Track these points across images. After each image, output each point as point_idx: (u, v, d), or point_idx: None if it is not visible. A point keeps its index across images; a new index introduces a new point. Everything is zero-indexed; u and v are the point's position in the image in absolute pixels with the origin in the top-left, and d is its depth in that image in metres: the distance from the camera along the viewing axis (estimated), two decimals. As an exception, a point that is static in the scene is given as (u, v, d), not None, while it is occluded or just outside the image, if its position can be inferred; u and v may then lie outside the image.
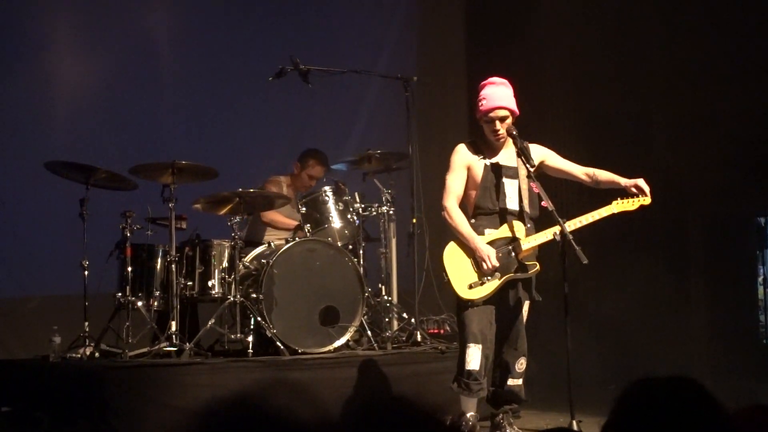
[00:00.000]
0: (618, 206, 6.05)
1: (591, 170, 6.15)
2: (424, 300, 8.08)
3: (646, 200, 6.07)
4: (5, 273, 8.65)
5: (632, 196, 6.04)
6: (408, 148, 7.99)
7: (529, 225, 6.03)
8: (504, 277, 5.94)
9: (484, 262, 5.87)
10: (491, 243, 5.97)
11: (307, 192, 8.14)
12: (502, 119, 6.00)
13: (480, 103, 6.07)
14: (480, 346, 5.89)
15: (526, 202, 6.05)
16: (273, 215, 8.34)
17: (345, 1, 10.27)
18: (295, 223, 8.34)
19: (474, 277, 5.94)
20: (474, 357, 5.89)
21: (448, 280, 5.99)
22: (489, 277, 5.90)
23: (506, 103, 6.02)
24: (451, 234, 6.10)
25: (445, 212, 6.05)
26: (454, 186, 6.07)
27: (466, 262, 5.96)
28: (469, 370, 5.91)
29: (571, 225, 5.86)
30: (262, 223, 8.36)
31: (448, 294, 6.48)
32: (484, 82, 6.14)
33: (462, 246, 6.00)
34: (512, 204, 6.04)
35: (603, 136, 8.77)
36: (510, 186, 6.04)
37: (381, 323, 7.89)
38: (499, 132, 6.01)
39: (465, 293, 5.93)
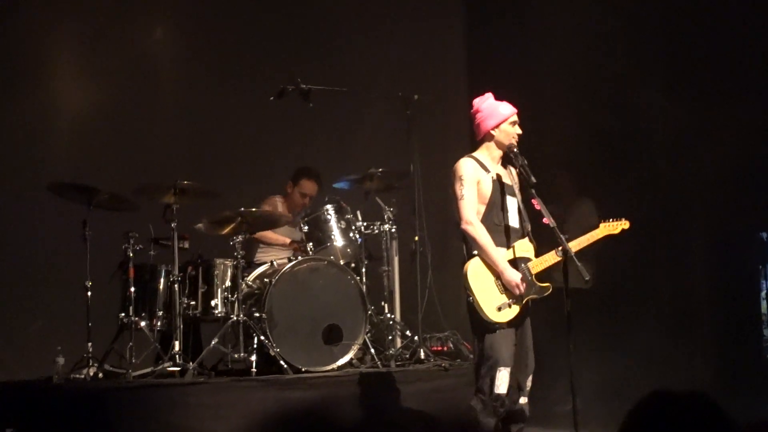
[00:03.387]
0: (604, 229, 6.10)
1: (545, 220, 6.06)
2: (426, 317, 8.07)
3: (626, 224, 6.12)
4: (7, 294, 8.66)
5: (615, 220, 6.10)
6: (409, 166, 8.00)
7: (533, 243, 6.03)
8: (527, 297, 5.91)
9: (516, 289, 5.80)
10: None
11: (310, 211, 8.14)
12: (520, 124, 6.06)
13: (499, 109, 6.04)
14: (509, 369, 5.85)
15: (526, 219, 6.06)
16: (264, 232, 8.35)
17: (345, 20, 10.29)
18: (287, 239, 8.35)
19: (501, 299, 5.83)
20: (504, 381, 5.82)
21: (475, 300, 5.83)
22: (513, 299, 5.87)
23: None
24: (458, 251, 6.03)
25: (471, 228, 5.87)
26: (472, 199, 5.93)
27: (491, 282, 5.86)
28: (498, 394, 5.84)
29: (570, 248, 5.84)
30: (254, 240, 8.37)
31: (452, 311, 6.47)
32: (478, 100, 6.14)
33: (486, 264, 5.89)
34: (513, 221, 6.02)
35: (602, 152, 8.77)
36: (510, 203, 6.03)
37: (384, 341, 7.90)
38: (519, 135, 6.03)
39: (494, 316, 5.82)
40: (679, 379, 7.38)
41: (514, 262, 5.92)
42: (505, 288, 5.86)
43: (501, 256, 5.88)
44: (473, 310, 5.86)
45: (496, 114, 6.05)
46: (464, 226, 5.92)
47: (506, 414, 6.07)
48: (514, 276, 5.82)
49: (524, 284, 5.85)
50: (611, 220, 6.11)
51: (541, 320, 6.20)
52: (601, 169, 8.74)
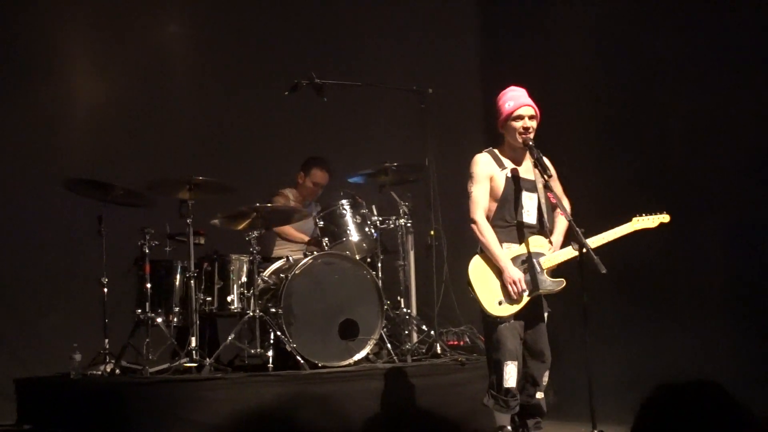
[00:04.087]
0: (638, 223, 6.04)
1: (561, 212, 6.02)
2: (443, 312, 8.07)
3: (665, 218, 6.07)
4: (24, 290, 8.68)
5: (652, 213, 6.05)
6: (424, 160, 7.99)
7: (550, 240, 6.00)
8: (533, 293, 5.90)
9: (513, 285, 5.80)
10: (515, 258, 5.92)
11: (325, 206, 8.15)
12: (531, 117, 5.94)
13: (504, 106, 5.98)
14: (516, 362, 5.86)
15: (546, 216, 6.02)
16: (285, 227, 8.36)
17: (359, 14, 10.27)
18: (306, 237, 8.36)
19: (502, 294, 5.86)
20: (512, 374, 5.85)
21: (476, 296, 5.88)
22: (527, 294, 5.86)
23: (532, 103, 5.99)
24: (473, 246, 6.03)
25: (475, 226, 5.92)
26: (481, 198, 5.96)
27: (493, 278, 5.87)
28: (507, 388, 5.86)
29: (593, 242, 5.80)
30: (274, 235, 8.36)
31: (468, 306, 6.46)
32: (503, 91, 6.10)
33: (488, 260, 5.91)
34: (530, 218, 5.98)
35: (619, 144, 8.73)
36: (528, 200, 5.98)
37: (400, 336, 7.89)
38: (529, 129, 5.91)
39: (494, 310, 5.85)
40: (699, 371, 7.33)
41: (527, 258, 5.91)
42: (506, 289, 5.87)
43: (503, 254, 5.88)
44: (478, 306, 5.91)
45: (501, 110, 6.02)
46: (470, 224, 5.97)
47: (522, 408, 6.06)
48: (513, 274, 5.81)
49: (525, 282, 5.84)
50: (645, 214, 6.06)
51: (558, 314, 6.18)
52: (616, 162, 8.69)
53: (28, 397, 7.21)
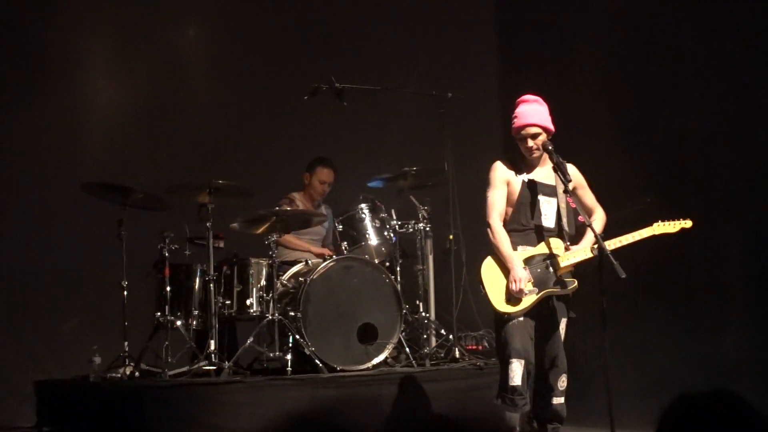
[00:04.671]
0: (659, 228, 6.05)
1: (593, 221, 6.02)
2: (461, 316, 8.06)
3: (687, 223, 6.07)
4: (45, 293, 8.72)
5: (673, 219, 6.06)
6: (443, 164, 7.99)
7: (567, 243, 6.01)
8: (542, 292, 5.92)
9: (514, 283, 5.85)
10: (528, 259, 5.95)
11: (343, 210, 8.15)
12: (534, 136, 5.99)
13: (513, 119, 6.09)
14: (523, 361, 5.87)
15: (565, 220, 6.03)
16: (288, 239, 8.35)
17: (378, 18, 10.28)
18: (313, 248, 8.37)
19: (509, 293, 5.92)
20: (517, 372, 5.87)
21: (485, 293, 5.97)
22: (526, 292, 5.89)
23: (537, 120, 6.01)
24: (490, 249, 6.07)
25: (489, 230, 6.02)
26: (497, 202, 6.04)
27: (503, 278, 5.94)
28: (513, 386, 5.88)
29: (611, 245, 5.81)
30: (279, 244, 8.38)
31: (486, 310, 6.45)
32: (518, 100, 6.14)
33: (500, 262, 5.98)
34: (548, 222, 6.02)
35: (637, 148, 8.71)
36: (547, 204, 6.02)
37: (419, 340, 7.90)
38: (532, 148, 6.00)
39: (502, 306, 5.90)
40: (717, 380, 7.31)
41: (534, 258, 5.97)
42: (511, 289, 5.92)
43: (513, 255, 5.95)
44: (487, 303, 5.98)
45: (511, 122, 6.13)
46: (485, 227, 6.06)
47: (540, 414, 6.07)
48: (517, 273, 5.87)
49: (537, 275, 5.90)
50: (667, 220, 6.07)
51: (577, 318, 6.16)
52: (635, 165, 8.67)
53: (47, 400, 7.24)
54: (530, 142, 5.99)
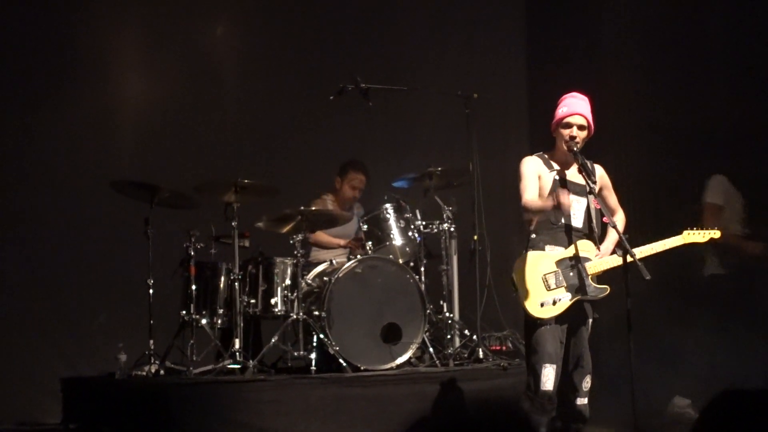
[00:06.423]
0: (688, 237, 6.04)
1: (615, 222, 5.96)
2: (485, 316, 8.04)
3: (716, 234, 6.07)
4: (72, 291, 8.78)
5: (702, 228, 6.04)
6: (468, 164, 7.98)
7: (599, 245, 5.98)
8: (575, 297, 5.89)
9: (562, 197, 5.78)
10: (560, 261, 5.91)
11: (369, 209, 8.16)
12: (580, 127, 5.96)
13: (558, 110, 6.04)
14: (555, 366, 5.85)
15: (594, 221, 6.02)
16: (319, 236, 8.37)
17: (405, 19, 10.29)
18: (341, 241, 8.38)
19: (545, 295, 5.85)
20: (550, 377, 5.84)
21: (519, 295, 5.90)
22: (560, 297, 5.85)
23: (586, 113, 6.00)
24: (517, 250, 6.04)
25: (524, 207, 5.95)
26: (530, 187, 5.96)
27: (537, 279, 5.87)
28: (544, 391, 5.85)
29: (640, 252, 5.79)
30: (309, 244, 8.38)
31: (511, 311, 6.45)
32: (566, 94, 6.11)
33: (533, 260, 5.92)
34: (576, 221, 5.98)
35: (665, 148, 8.68)
36: (576, 203, 5.98)
37: (443, 340, 7.88)
38: (575, 138, 5.93)
39: (536, 311, 5.85)
40: (742, 379, 7.28)
41: (564, 261, 5.92)
42: (551, 285, 5.87)
43: (544, 199, 5.90)
44: (520, 306, 5.93)
45: (555, 114, 6.07)
46: (522, 211, 6.00)
47: (564, 414, 6.05)
48: (563, 196, 5.81)
49: (571, 279, 5.85)
50: (696, 228, 6.06)
51: (602, 319, 6.15)
52: (663, 168, 8.64)
53: (73, 397, 7.28)
54: (575, 131, 5.94)
